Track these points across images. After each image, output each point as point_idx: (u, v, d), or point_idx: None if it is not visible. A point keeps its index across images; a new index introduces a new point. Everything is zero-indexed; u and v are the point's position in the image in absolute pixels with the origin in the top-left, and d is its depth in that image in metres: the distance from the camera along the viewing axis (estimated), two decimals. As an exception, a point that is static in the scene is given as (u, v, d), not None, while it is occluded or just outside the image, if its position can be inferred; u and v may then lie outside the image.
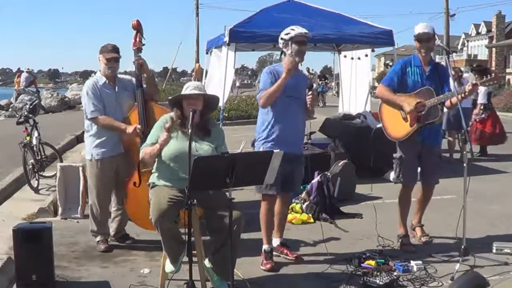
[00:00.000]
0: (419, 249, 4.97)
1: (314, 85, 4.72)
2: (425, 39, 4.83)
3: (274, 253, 4.70)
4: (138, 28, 5.08)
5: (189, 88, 4.04)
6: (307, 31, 4.51)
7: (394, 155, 5.03)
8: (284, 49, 4.51)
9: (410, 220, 5.26)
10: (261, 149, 4.45)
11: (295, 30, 4.47)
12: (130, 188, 4.85)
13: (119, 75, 5.11)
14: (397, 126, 4.90)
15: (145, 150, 4.07)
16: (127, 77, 5.19)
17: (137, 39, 5.06)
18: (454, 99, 4.68)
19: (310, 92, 4.53)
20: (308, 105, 4.54)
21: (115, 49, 4.98)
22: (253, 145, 6.85)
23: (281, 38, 4.51)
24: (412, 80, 4.87)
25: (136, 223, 4.98)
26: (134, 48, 5.07)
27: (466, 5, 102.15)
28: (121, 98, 4.99)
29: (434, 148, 5.01)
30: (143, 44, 5.12)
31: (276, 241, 4.78)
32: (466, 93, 4.60)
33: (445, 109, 4.97)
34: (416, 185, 5.14)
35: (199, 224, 3.96)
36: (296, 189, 4.91)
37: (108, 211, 5.16)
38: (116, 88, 5.00)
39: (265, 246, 4.59)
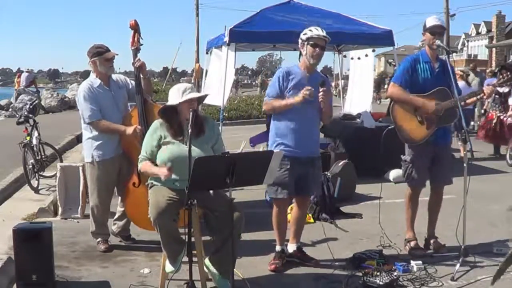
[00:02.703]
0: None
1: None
2: (438, 32, 4.71)
3: (290, 259, 4.65)
4: (136, 27, 5.08)
5: (186, 91, 3.96)
6: (325, 35, 4.41)
7: (403, 157, 4.89)
8: (301, 50, 4.47)
9: (418, 231, 5.12)
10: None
11: (312, 31, 4.42)
12: (129, 189, 4.86)
13: (112, 75, 5.09)
14: (413, 129, 4.74)
15: (145, 166, 4.04)
16: (119, 76, 5.17)
17: (135, 39, 5.07)
18: (469, 100, 4.68)
19: (321, 89, 4.35)
20: (320, 102, 4.36)
21: (108, 48, 4.99)
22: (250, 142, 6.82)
23: (300, 38, 4.48)
24: (422, 78, 4.73)
25: (135, 223, 4.98)
26: (132, 48, 5.07)
27: (466, 5, 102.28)
28: (117, 98, 4.99)
29: (447, 148, 4.94)
30: (141, 44, 5.12)
31: (292, 247, 4.71)
32: (485, 96, 4.60)
33: None
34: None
35: (199, 224, 3.96)
36: (312, 191, 4.80)
37: (108, 212, 5.16)
38: (111, 88, 4.99)
39: (277, 247, 4.60)
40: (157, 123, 4.12)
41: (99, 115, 4.85)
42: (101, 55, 4.90)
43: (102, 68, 4.92)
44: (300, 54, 4.54)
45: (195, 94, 3.98)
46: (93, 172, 5.00)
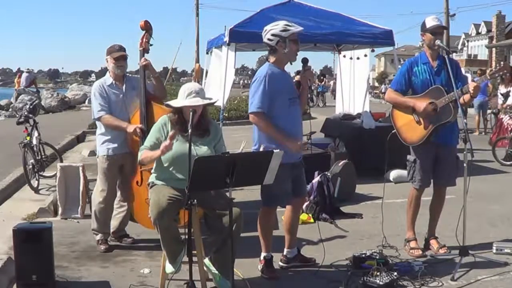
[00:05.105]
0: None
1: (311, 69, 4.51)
2: (439, 32, 4.71)
3: (293, 264, 4.61)
4: (146, 28, 5.13)
5: (191, 95, 3.95)
6: (301, 28, 4.30)
7: (408, 157, 4.88)
8: (278, 46, 4.21)
9: (418, 231, 5.08)
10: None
11: (293, 27, 4.22)
12: (133, 187, 4.90)
13: (128, 75, 5.17)
14: (411, 130, 4.75)
15: (145, 153, 4.02)
16: (137, 76, 5.22)
17: (144, 40, 5.09)
18: (465, 97, 4.58)
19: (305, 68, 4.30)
20: (308, 80, 4.35)
21: (122, 48, 5.06)
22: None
23: (275, 35, 4.19)
24: (420, 80, 4.71)
25: (139, 222, 5.01)
26: (140, 48, 5.12)
27: (466, 5, 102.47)
28: (128, 99, 5.05)
29: (451, 148, 4.83)
30: (151, 45, 5.15)
31: (294, 252, 4.63)
32: (471, 92, 4.46)
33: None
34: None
35: (199, 224, 3.97)
36: (305, 192, 4.84)
37: (111, 210, 5.18)
38: (124, 88, 5.06)
39: (264, 254, 4.44)
40: (165, 118, 4.12)
41: (107, 111, 4.95)
42: (110, 53, 5.02)
43: (111, 67, 5.03)
44: (272, 52, 4.30)
45: (197, 101, 3.93)
46: (99, 166, 5.11)
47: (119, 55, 4.99)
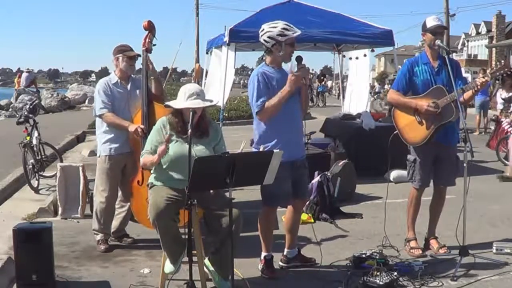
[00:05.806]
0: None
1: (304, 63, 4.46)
2: (439, 32, 4.72)
3: (293, 264, 4.61)
4: (149, 29, 5.14)
5: (192, 96, 3.94)
6: (299, 31, 4.31)
7: (408, 156, 4.88)
8: (273, 48, 4.24)
9: (418, 231, 5.08)
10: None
11: (290, 31, 4.22)
12: (134, 187, 4.90)
13: (132, 75, 5.20)
14: (413, 130, 4.74)
15: (145, 159, 4.04)
16: (140, 76, 5.24)
17: (147, 40, 5.10)
18: (466, 95, 4.60)
19: (299, 66, 4.24)
20: (303, 78, 4.25)
21: (132, 48, 5.13)
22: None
23: (271, 38, 4.21)
24: (421, 80, 4.72)
25: (140, 222, 5.00)
26: (143, 48, 5.13)
27: (466, 5, 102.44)
28: (132, 98, 5.07)
29: (451, 148, 4.84)
30: (154, 45, 5.16)
31: (295, 251, 4.63)
32: (478, 87, 4.48)
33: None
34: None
35: (199, 224, 3.96)
36: (307, 194, 4.82)
37: (113, 211, 5.18)
38: (129, 87, 5.09)
39: (265, 254, 4.45)
40: (164, 119, 4.12)
41: (110, 109, 4.96)
42: (124, 52, 5.05)
43: (123, 65, 5.05)
44: (267, 52, 4.32)
45: (198, 103, 3.92)
46: (99, 166, 5.10)
47: (134, 55, 5.06)
